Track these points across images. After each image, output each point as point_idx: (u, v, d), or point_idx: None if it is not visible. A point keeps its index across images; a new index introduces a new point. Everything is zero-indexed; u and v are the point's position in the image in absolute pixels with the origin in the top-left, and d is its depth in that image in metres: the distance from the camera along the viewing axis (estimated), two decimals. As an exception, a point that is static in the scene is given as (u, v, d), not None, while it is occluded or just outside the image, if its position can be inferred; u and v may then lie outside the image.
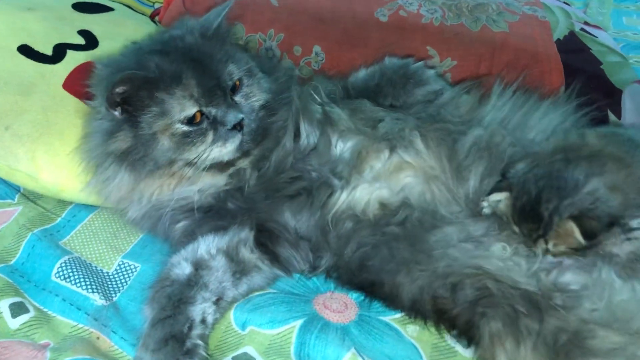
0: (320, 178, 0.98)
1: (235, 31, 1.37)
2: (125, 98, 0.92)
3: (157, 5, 1.66)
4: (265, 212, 0.97)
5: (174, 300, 0.85)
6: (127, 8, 1.41)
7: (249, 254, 0.95)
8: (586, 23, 1.53)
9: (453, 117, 1.02)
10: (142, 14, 1.42)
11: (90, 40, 1.21)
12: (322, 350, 0.83)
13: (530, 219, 0.86)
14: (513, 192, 0.88)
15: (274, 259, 0.96)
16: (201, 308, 0.86)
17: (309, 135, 1.00)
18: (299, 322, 0.87)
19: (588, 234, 0.81)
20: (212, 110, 0.93)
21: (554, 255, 0.86)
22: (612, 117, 1.29)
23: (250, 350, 0.84)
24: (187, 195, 0.97)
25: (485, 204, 0.91)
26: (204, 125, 0.93)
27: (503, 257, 0.87)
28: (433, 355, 0.85)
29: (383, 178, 0.97)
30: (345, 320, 0.89)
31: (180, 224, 0.98)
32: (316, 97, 1.04)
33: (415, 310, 0.89)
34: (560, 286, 0.84)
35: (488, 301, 0.83)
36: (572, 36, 1.43)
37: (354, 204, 0.96)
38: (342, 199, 0.96)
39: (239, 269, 0.93)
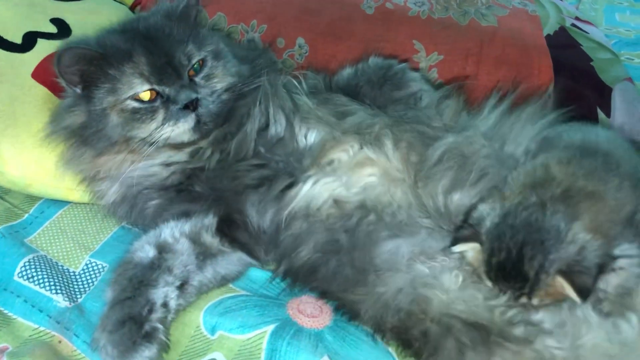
0: (286, 168, 0.95)
1: (215, 20, 1.34)
2: (82, 74, 0.93)
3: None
4: (230, 200, 0.95)
5: (134, 282, 0.84)
6: (102, -5, 1.36)
7: (210, 239, 0.93)
8: (577, 18, 1.49)
9: (433, 121, 0.97)
10: (120, 3, 1.37)
11: (62, 29, 1.17)
12: (294, 357, 0.79)
13: (513, 278, 0.77)
14: (485, 245, 0.79)
15: (234, 241, 0.94)
16: (163, 291, 0.84)
17: (277, 123, 0.97)
18: (270, 327, 0.83)
19: (582, 291, 0.74)
20: (166, 89, 0.93)
21: (537, 307, 0.79)
22: (601, 115, 1.26)
23: (218, 356, 0.81)
24: (155, 171, 0.96)
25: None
26: (157, 103, 0.93)
27: (454, 289, 0.81)
28: (410, 363, 0.81)
29: (345, 173, 0.93)
30: (320, 325, 0.85)
31: (153, 202, 0.97)
32: (299, 87, 1.01)
33: (377, 329, 0.84)
34: (527, 320, 0.78)
35: (435, 342, 0.79)
36: (562, 31, 1.39)
37: (311, 200, 0.92)
38: (302, 193, 0.93)
39: (202, 251, 0.91)
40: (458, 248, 0.81)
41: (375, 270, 0.84)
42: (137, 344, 0.78)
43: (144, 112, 0.92)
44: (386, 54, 1.20)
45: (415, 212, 0.90)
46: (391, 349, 0.83)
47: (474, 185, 0.88)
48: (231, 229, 0.94)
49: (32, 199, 1.07)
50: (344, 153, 0.94)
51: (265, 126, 0.97)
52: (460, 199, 0.89)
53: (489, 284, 0.79)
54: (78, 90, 0.96)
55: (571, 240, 0.74)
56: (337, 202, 0.91)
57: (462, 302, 0.80)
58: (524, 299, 0.77)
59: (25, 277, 0.90)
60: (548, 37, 1.35)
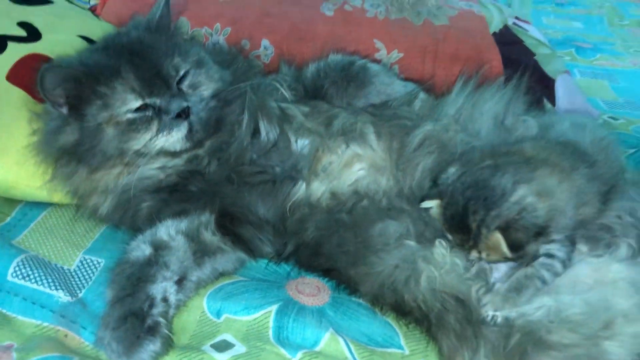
0: (283, 172, 0.99)
1: (180, 25, 1.36)
2: (67, 95, 0.94)
3: (92, 2, 1.61)
4: (229, 196, 0.98)
5: (133, 280, 0.85)
6: (66, 1, 1.36)
7: (210, 237, 0.95)
8: (517, 18, 1.62)
9: (410, 114, 1.03)
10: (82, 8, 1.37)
11: (31, 33, 1.16)
12: (301, 332, 0.84)
13: (460, 230, 0.84)
14: (443, 200, 0.86)
15: (237, 239, 0.97)
16: (162, 287, 0.85)
17: (268, 132, 1.01)
18: (274, 307, 0.87)
19: (514, 246, 0.80)
20: (157, 101, 0.95)
21: (489, 262, 0.86)
22: (547, 105, 1.37)
23: (228, 337, 0.83)
24: (151, 174, 0.98)
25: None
26: (149, 113, 0.95)
27: (442, 260, 0.87)
28: (408, 331, 0.87)
29: (337, 171, 0.99)
30: (320, 302, 0.90)
31: (146, 204, 0.98)
32: (284, 92, 1.05)
33: (378, 304, 0.90)
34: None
35: (436, 315, 0.84)
36: (506, 30, 1.51)
37: (310, 195, 0.98)
38: (301, 191, 0.98)
39: (200, 249, 0.93)
40: (425, 204, 0.88)
41: (373, 250, 0.90)
42: (141, 338, 0.79)
43: (139, 122, 0.94)
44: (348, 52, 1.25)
45: (396, 198, 0.96)
46: (389, 319, 0.88)
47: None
48: (234, 224, 0.96)
49: (11, 202, 1.06)
50: (335, 156, 0.99)
51: (256, 134, 1.01)
52: None
53: (448, 236, 0.86)
54: (64, 111, 0.96)
55: (515, 200, 0.80)
56: (333, 194, 0.97)
57: (448, 273, 0.86)
58: (475, 253, 0.83)
59: (20, 277, 0.89)
60: (494, 34, 1.46)
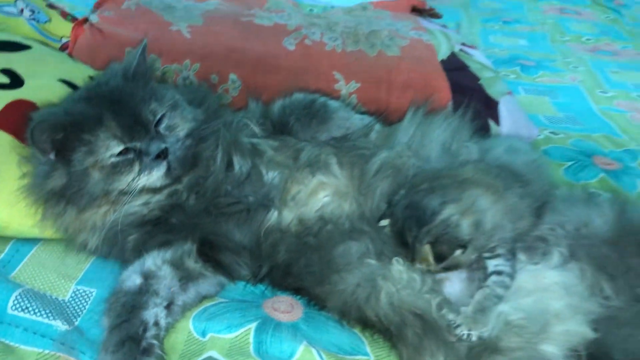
0: (257, 202, 1.10)
1: (152, 63, 1.45)
2: (54, 142, 1.03)
3: (64, 40, 1.69)
4: (208, 226, 1.08)
5: (127, 307, 0.95)
6: (42, 45, 1.44)
7: (193, 264, 1.05)
8: (463, 44, 1.76)
9: (367, 144, 1.15)
10: (61, 51, 1.46)
11: (14, 79, 1.24)
12: (279, 346, 0.94)
13: (402, 244, 0.97)
14: (391, 219, 1.00)
15: (217, 265, 1.07)
16: (154, 312, 0.95)
17: (241, 166, 1.12)
18: (254, 325, 0.97)
19: (438, 257, 0.94)
20: (137, 144, 1.04)
21: (435, 272, 0.98)
22: (492, 125, 1.51)
23: (214, 354, 0.94)
24: (135, 211, 1.07)
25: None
26: (131, 155, 1.04)
27: (399, 277, 0.98)
28: (373, 340, 0.99)
29: (305, 199, 1.10)
30: (294, 318, 1.01)
31: (132, 237, 1.07)
32: (254, 128, 1.16)
33: (344, 317, 1.01)
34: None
35: (396, 328, 0.96)
36: (453, 56, 1.64)
37: (281, 221, 1.09)
38: (273, 218, 1.09)
39: (185, 275, 1.03)
40: (382, 223, 1.01)
41: (336, 269, 1.01)
42: (137, 359, 0.90)
43: (122, 165, 1.03)
44: (310, 87, 1.35)
45: (357, 221, 1.08)
46: (356, 330, 1.00)
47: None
48: (213, 251, 1.06)
49: (3, 238, 1.13)
50: (302, 185, 1.10)
51: (230, 168, 1.11)
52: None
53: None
54: (52, 157, 1.05)
55: (442, 219, 0.93)
56: (301, 220, 1.08)
57: (405, 289, 0.97)
58: (416, 264, 0.97)
59: (20, 309, 0.98)
60: (442, 62, 1.59)
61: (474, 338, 0.92)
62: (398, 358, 0.95)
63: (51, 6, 1.76)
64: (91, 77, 1.29)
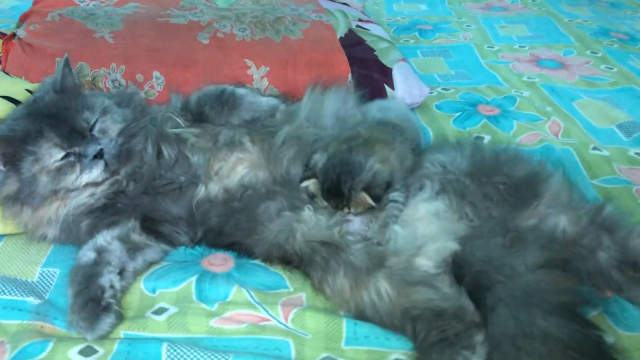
0: (187, 180, 1.32)
1: (80, 69, 1.62)
2: (3, 155, 1.22)
3: (-3, 56, 1.81)
4: (148, 205, 1.29)
5: (86, 277, 1.15)
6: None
7: (138, 237, 1.26)
8: (360, 20, 1.98)
9: (273, 122, 1.38)
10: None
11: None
12: (216, 291, 1.17)
13: (336, 196, 1.17)
14: (319, 178, 1.18)
15: (159, 236, 1.28)
16: (108, 278, 1.16)
17: (170, 154, 1.33)
18: (194, 278, 1.20)
19: (375, 199, 1.15)
20: (76, 149, 1.23)
21: (355, 214, 1.20)
22: (388, 90, 1.75)
23: (163, 304, 1.15)
24: (84, 202, 1.26)
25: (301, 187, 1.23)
26: (72, 159, 1.23)
27: (310, 219, 1.21)
28: (292, 276, 1.23)
29: (227, 173, 1.32)
30: (227, 269, 1.23)
31: (84, 223, 1.27)
32: (178, 120, 1.37)
33: (268, 260, 1.26)
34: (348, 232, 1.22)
35: (308, 257, 1.20)
36: (351, 33, 1.86)
37: (209, 193, 1.31)
38: (202, 192, 1.31)
39: (132, 247, 1.23)
40: (304, 183, 1.22)
41: (260, 222, 1.25)
42: (100, 315, 1.09)
43: (65, 167, 1.21)
44: (226, 76, 1.58)
45: (273, 184, 1.31)
46: (278, 270, 1.24)
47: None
48: (154, 225, 1.28)
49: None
50: (224, 162, 1.32)
51: (160, 156, 1.32)
52: (296, 170, 1.31)
53: (324, 203, 1.21)
54: (2, 168, 1.23)
55: (369, 169, 1.16)
56: (226, 190, 1.31)
57: (314, 227, 1.22)
58: (345, 210, 1.20)
59: (-3, 292, 1.18)
60: (341, 39, 1.81)
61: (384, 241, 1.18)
62: (310, 283, 1.20)
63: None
64: (29, 91, 1.46)
